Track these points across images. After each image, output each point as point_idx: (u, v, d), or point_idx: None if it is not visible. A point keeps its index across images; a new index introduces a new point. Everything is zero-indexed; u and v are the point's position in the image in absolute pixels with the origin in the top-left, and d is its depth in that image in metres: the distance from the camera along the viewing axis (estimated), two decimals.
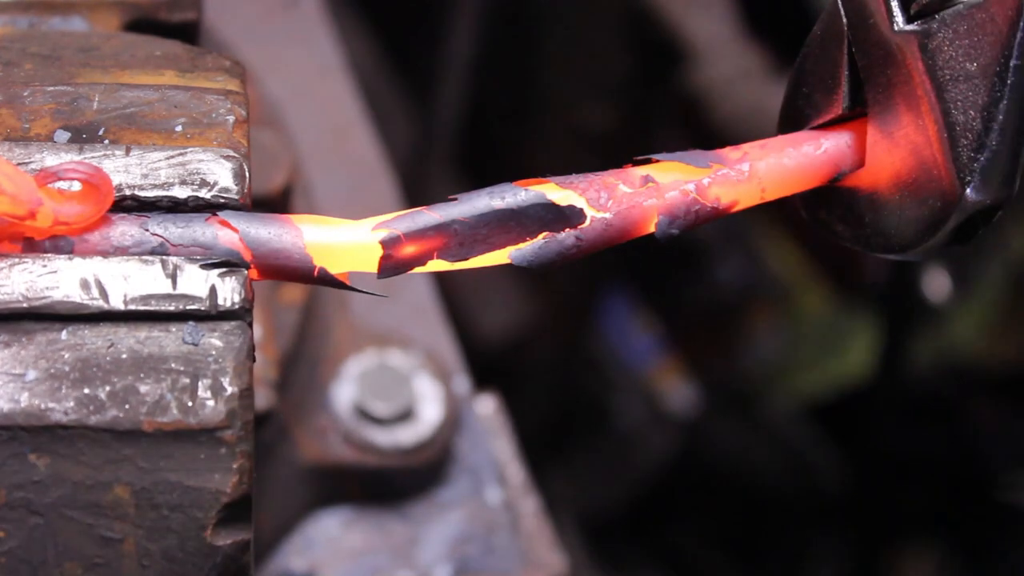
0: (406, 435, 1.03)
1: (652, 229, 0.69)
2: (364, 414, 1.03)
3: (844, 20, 0.69)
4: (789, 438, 2.27)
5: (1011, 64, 0.64)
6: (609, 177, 0.68)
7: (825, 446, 2.25)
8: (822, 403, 2.25)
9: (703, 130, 2.03)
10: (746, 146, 0.70)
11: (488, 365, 1.46)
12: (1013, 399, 2.28)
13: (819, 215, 0.73)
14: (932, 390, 2.22)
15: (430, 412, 1.04)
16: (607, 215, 0.68)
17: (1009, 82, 0.64)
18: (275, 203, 0.96)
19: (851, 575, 2.18)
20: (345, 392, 1.03)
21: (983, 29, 0.64)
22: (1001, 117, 0.64)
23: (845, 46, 0.70)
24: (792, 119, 0.72)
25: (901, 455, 2.18)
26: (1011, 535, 2.23)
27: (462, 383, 1.10)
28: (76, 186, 0.63)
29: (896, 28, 0.67)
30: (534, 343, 2.11)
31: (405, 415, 1.03)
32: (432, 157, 2.00)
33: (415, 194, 1.68)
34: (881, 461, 2.15)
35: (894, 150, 0.67)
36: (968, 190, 0.65)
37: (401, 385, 1.04)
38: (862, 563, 2.19)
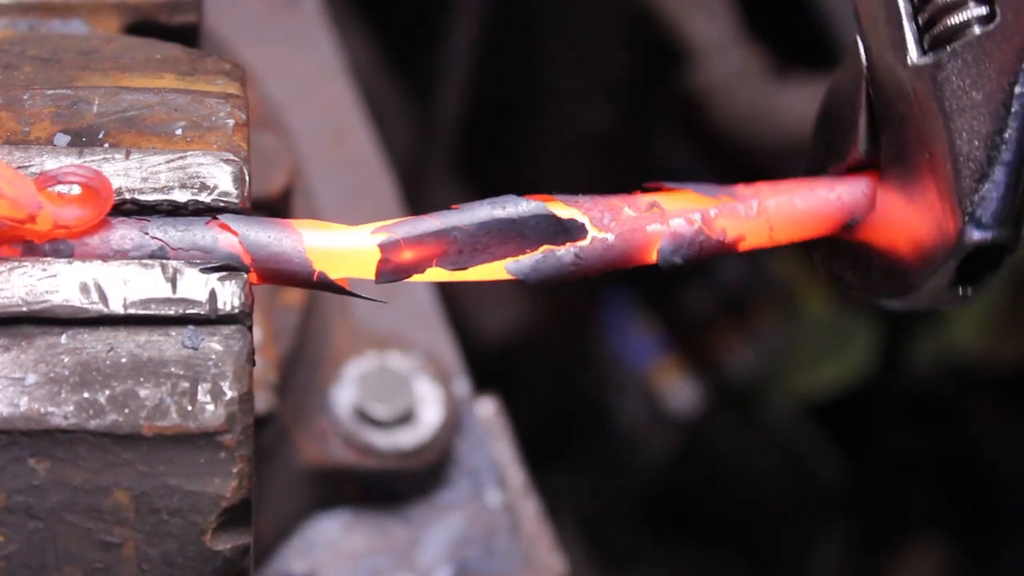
0: (406, 437, 1.03)
1: (654, 257, 0.68)
2: (364, 416, 1.03)
3: (863, 58, 0.68)
4: (789, 438, 2.27)
5: (1016, 91, 0.63)
6: (615, 200, 0.68)
7: (825, 446, 2.25)
8: (822, 403, 2.25)
9: (703, 130, 2.03)
10: (761, 184, 0.69)
11: (488, 367, 1.46)
12: (1013, 399, 2.28)
13: (831, 265, 0.72)
14: (932, 390, 2.22)
15: (430, 414, 1.04)
16: (608, 236, 0.67)
17: (1014, 110, 0.63)
18: (275, 205, 0.96)
19: (851, 575, 2.18)
20: (345, 394, 1.03)
21: (991, 57, 0.63)
22: (1004, 148, 0.63)
23: (863, 87, 0.69)
24: (815, 162, 0.71)
25: (901, 455, 2.18)
26: (1011, 535, 2.23)
27: (462, 385, 1.09)
28: (76, 190, 0.63)
29: (909, 62, 0.66)
30: (534, 344, 2.11)
31: (405, 417, 1.03)
32: (432, 158, 2.00)
33: (415, 195, 1.68)
34: (881, 461, 2.15)
35: (904, 191, 0.66)
36: (967, 226, 0.63)
37: (401, 387, 1.04)
38: (862, 563, 2.19)
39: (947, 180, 0.64)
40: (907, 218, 0.66)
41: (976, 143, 0.63)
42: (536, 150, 2.10)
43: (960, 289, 0.66)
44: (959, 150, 0.63)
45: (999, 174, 0.63)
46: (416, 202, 1.18)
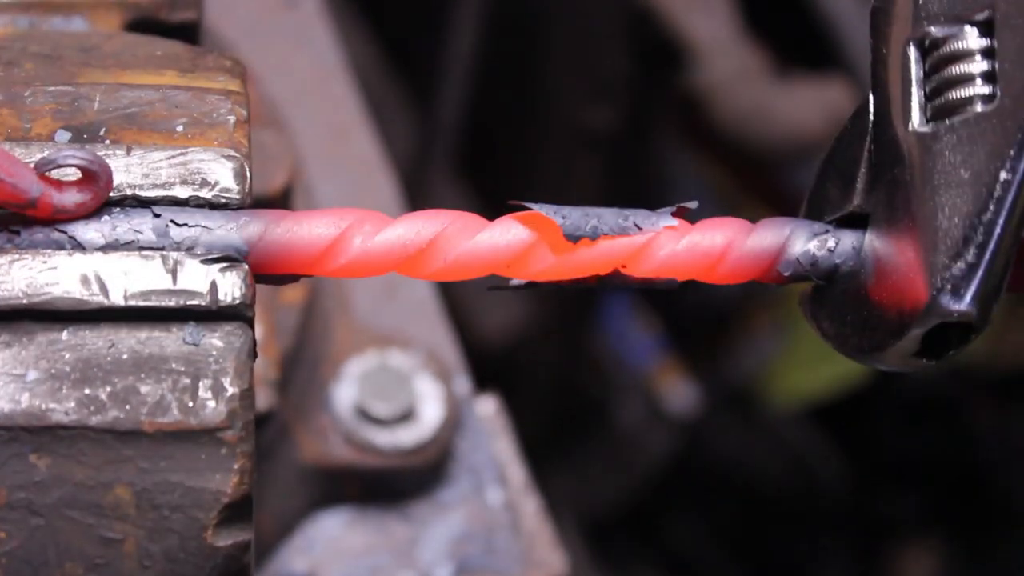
0: (407, 435, 1.03)
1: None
2: (365, 414, 1.03)
3: (871, 116, 0.68)
4: (789, 439, 2.27)
5: (1001, 176, 0.63)
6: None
7: (825, 447, 2.25)
8: (822, 404, 2.25)
9: (703, 130, 2.03)
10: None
11: (489, 365, 1.46)
12: (1013, 399, 2.28)
13: (813, 310, 0.72)
14: (932, 390, 2.22)
15: (431, 412, 1.04)
16: None
17: (995, 196, 0.62)
18: (276, 203, 0.96)
19: (851, 574, 2.18)
20: (346, 392, 1.03)
21: (984, 138, 0.63)
22: (981, 230, 0.62)
23: (867, 144, 0.69)
24: (813, 207, 0.72)
25: (901, 455, 2.18)
26: (1011, 535, 2.23)
27: (463, 383, 1.09)
28: (75, 174, 0.63)
29: (909, 128, 0.66)
30: (534, 343, 2.11)
31: (406, 415, 1.03)
32: (432, 157, 2.00)
33: (415, 194, 1.68)
34: (881, 461, 2.15)
35: (888, 253, 0.66)
36: (937, 297, 0.63)
37: (402, 385, 1.04)
38: (862, 563, 2.19)
39: (925, 251, 0.64)
40: (886, 279, 0.66)
41: (956, 220, 0.63)
42: (536, 150, 2.10)
43: (925, 359, 0.66)
44: (940, 224, 0.63)
45: (972, 255, 0.63)
46: (416, 201, 1.18)
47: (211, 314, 0.63)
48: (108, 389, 0.62)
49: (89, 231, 0.64)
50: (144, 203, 0.65)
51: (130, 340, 0.63)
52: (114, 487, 0.62)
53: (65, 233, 0.63)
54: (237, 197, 0.65)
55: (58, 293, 0.62)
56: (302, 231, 0.66)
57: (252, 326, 0.64)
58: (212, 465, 0.63)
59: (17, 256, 0.63)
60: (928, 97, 0.66)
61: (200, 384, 0.63)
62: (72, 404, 0.62)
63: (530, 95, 2.10)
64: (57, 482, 0.62)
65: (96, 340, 0.63)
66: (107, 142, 0.66)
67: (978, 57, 0.65)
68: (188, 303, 0.63)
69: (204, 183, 0.65)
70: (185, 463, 0.62)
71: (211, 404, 0.62)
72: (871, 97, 0.69)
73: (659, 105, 2.09)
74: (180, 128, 0.67)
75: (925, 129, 0.66)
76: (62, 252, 0.63)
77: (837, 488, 2.21)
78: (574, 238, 0.68)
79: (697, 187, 2.17)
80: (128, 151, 0.65)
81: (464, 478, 1.06)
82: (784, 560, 2.26)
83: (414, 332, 1.10)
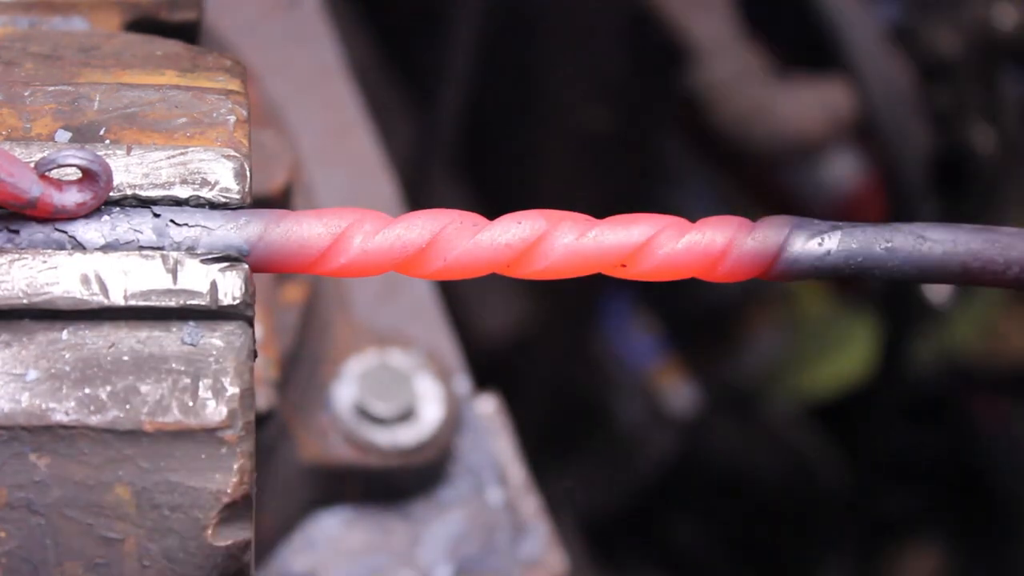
0: (407, 435, 1.03)
1: None
2: (365, 414, 1.03)
3: None
4: (789, 438, 2.27)
5: None
6: None
7: (825, 446, 2.25)
8: (822, 403, 2.25)
9: (703, 130, 2.03)
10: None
11: (489, 365, 1.46)
12: (1013, 399, 2.28)
13: None
14: (932, 390, 2.22)
15: (431, 412, 1.04)
16: None
17: None
18: (276, 203, 0.96)
19: (851, 574, 2.18)
20: (346, 392, 1.03)
21: None
22: None
23: None
24: None
25: (901, 455, 2.18)
26: (1011, 535, 2.23)
27: (463, 383, 1.09)
28: (75, 174, 0.63)
29: None
30: (534, 343, 2.11)
31: (406, 415, 1.03)
32: (433, 157, 2.00)
33: (416, 194, 1.68)
34: (881, 461, 2.15)
35: None
36: None
37: (402, 385, 1.04)
38: (862, 563, 2.19)
39: None
40: None
41: None
42: (536, 150, 2.10)
43: None
44: None
45: None
46: (416, 201, 1.18)
47: (211, 314, 0.63)
48: (108, 389, 0.62)
49: (89, 231, 0.64)
50: (144, 203, 0.65)
51: (130, 340, 0.63)
52: (114, 486, 0.62)
53: (65, 233, 0.64)
54: (237, 197, 0.65)
55: (58, 293, 0.62)
56: (302, 231, 0.66)
57: (252, 326, 0.64)
58: (212, 465, 0.63)
59: (17, 256, 0.63)
60: None
61: (200, 384, 0.63)
62: (72, 404, 0.62)
63: (530, 95, 2.10)
64: (57, 481, 0.62)
65: (96, 340, 0.63)
66: (107, 142, 0.66)
67: None
68: (188, 303, 0.63)
69: (204, 183, 0.65)
70: (185, 463, 0.62)
71: (211, 404, 0.62)
72: None
73: (659, 105, 2.09)
74: (180, 128, 0.67)
75: None
76: (62, 252, 0.63)
77: (837, 488, 2.21)
78: None
79: (697, 187, 2.17)
80: (128, 151, 0.66)
81: (464, 478, 1.06)
82: (784, 560, 2.26)
83: (414, 332, 1.10)
